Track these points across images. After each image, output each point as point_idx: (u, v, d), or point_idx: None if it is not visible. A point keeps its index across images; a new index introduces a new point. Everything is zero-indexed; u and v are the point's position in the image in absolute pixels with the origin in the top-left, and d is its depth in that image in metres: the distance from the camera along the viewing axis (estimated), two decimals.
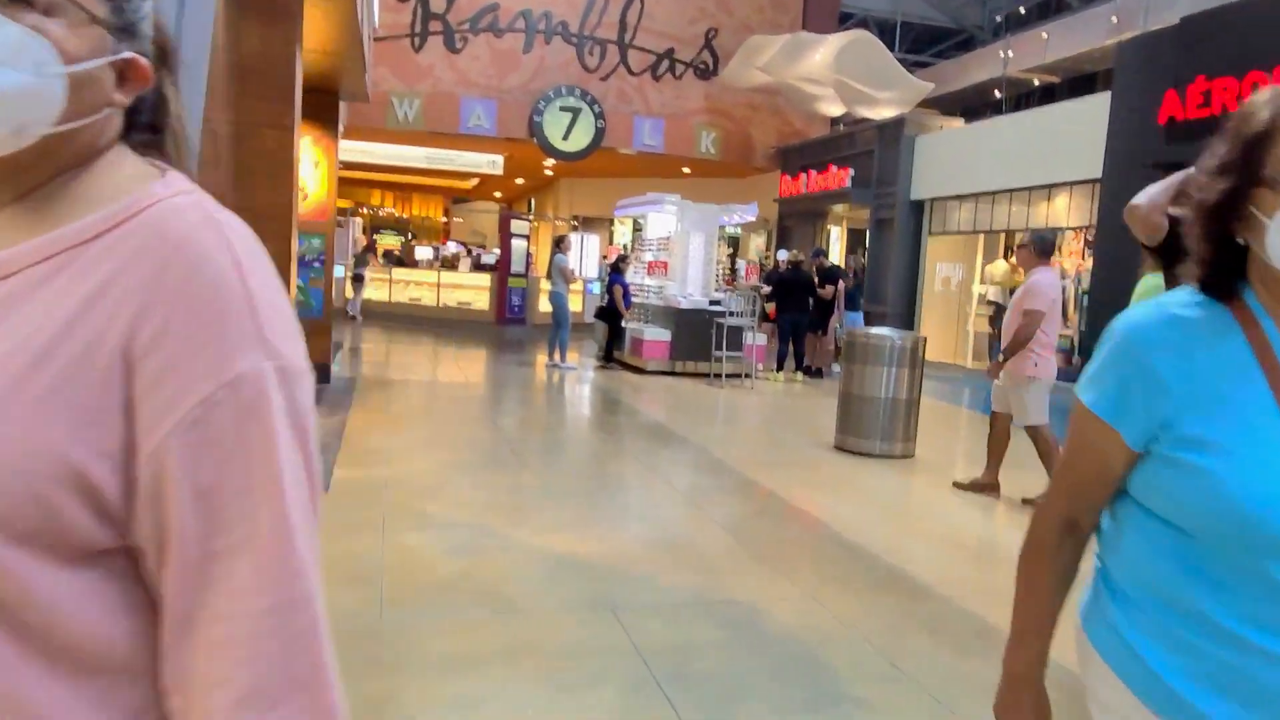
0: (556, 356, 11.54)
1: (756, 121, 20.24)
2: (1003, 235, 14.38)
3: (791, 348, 11.75)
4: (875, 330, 7.25)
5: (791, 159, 19.24)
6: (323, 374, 8.83)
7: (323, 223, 8.79)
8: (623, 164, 21.03)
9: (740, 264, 14.15)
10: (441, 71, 18.24)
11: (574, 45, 18.81)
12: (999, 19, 21.12)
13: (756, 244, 24.25)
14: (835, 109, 18.37)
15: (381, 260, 21.35)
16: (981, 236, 14.45)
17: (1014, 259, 12.49)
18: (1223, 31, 9.44)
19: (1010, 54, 16.56)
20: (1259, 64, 8.88)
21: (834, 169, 16.63)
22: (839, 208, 18.26)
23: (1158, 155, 10.11)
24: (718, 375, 10.96)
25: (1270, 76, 8.76)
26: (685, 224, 12.04)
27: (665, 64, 19.46)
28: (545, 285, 17.75)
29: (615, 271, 11.89)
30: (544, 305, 17.50)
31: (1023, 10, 19.13)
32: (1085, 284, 12.43)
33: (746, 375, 11.21)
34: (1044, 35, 15.57)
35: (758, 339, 11.35)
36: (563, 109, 18.35)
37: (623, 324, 11.91)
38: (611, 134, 18.82)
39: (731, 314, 10.83)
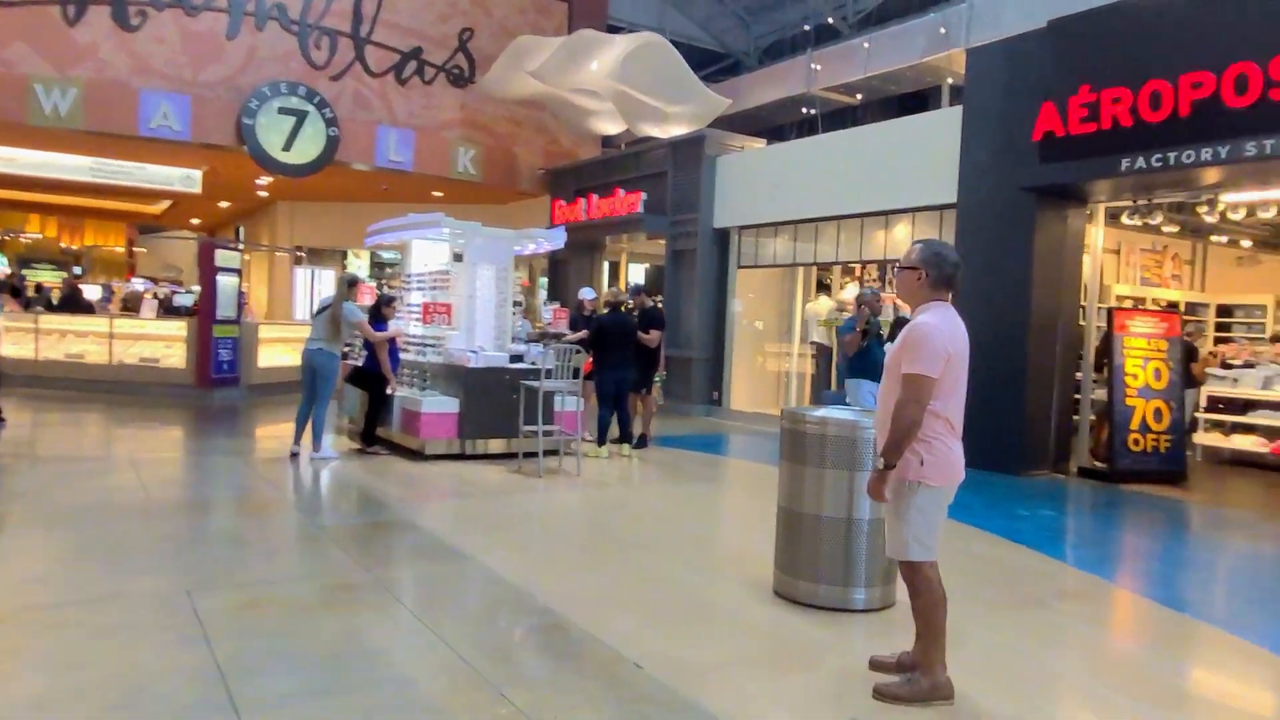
0: (303, 443, 8.12)
1: (521, 139, 17.59)
2: (812, 268, 12.85)
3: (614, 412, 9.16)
4: (833, 414, 4.73)
5: (564, 182, 16.76)
6: None
7: None
8: (358, 184, 17.44)
9: (546, 309, 11.30)
10: (109, 54, 13.79)
11: (294, 34, 15.11)
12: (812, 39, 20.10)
13: (517, 278, 21.48)
14: (611, 127, 16.20)
15: (39, 304, 16.00)
16: (801, 270, 12.78)
17: (891, 291, 10.64)
18: (1106, 35, 8.23)
19: (818, 68, 15.29)
20: (1156, 72, 7.69)
21: (622, 193, 14.36)
22: (610, 239, 16.02)
23: (1031, 176, 8.77)
24: (529, 455, 8.08)
25: (1175, 86, 7.59)
26: (471, 254, 9.05)
27: (412, 65, 16.28)
28: (266, 332, 13.81)
29: (377, 319, 8.61)
30: (269, 359, 13.55)
31: (844, 28, 18.15)
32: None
33: (567, 453, 8.43)
34: (865, 45, 14.36)
35: (571, 403, 8.63)
36: (283, 111, 14.57)
37: (389, 391, 8.66)
38: (348, 146, 15.28)
39: (546, 373, 7.99)
